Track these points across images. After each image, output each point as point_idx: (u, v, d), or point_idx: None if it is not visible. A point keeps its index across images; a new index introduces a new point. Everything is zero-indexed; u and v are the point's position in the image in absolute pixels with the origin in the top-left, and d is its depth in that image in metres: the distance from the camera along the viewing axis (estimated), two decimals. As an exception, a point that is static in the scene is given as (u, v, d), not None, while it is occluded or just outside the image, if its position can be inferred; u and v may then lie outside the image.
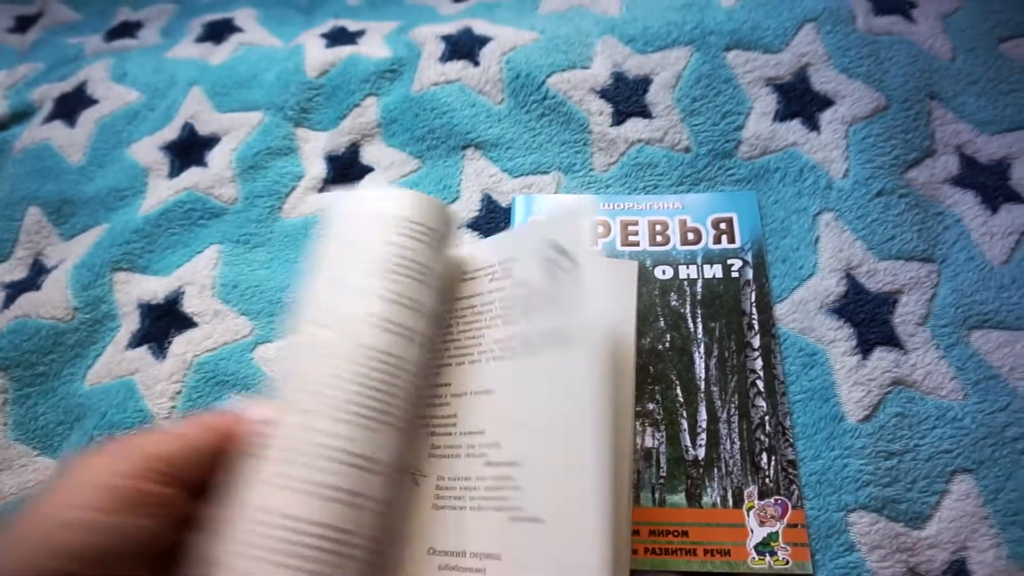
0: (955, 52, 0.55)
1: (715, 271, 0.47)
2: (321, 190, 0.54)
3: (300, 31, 0.65)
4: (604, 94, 0.55)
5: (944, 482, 0.39)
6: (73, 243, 0.53)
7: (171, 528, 0.28)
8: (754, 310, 0.46)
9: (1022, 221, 0.47)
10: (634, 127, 0.53)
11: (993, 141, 0.51)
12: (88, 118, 0.60)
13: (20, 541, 0.26)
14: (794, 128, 0.52)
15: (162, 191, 0.54)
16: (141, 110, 0.60)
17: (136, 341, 0.48)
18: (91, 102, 0.61)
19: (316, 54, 0.60)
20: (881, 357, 0.43)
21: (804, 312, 0.45)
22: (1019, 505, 0.38)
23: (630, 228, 0.49)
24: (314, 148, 0.56)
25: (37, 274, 0.52)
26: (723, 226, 0.49)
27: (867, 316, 0.44)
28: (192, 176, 0.55)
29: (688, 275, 0.47)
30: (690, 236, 0.49)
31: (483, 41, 0.58)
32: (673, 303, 0.46)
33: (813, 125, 0.52)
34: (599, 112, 0.54)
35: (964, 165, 0.50)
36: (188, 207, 0.53)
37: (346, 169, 0.55)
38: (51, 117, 0.61)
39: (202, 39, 0.66)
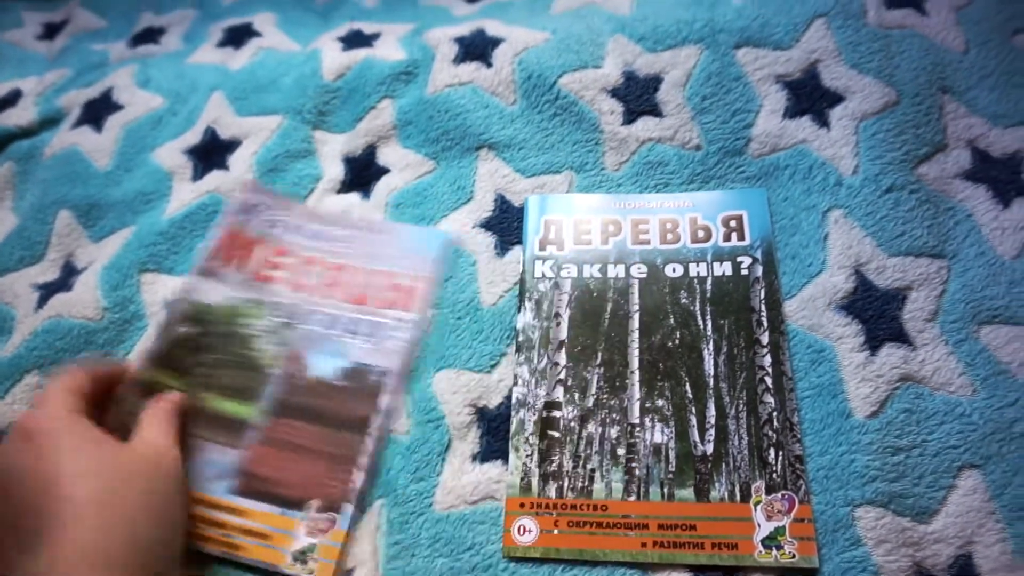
0: (968, 45, 0.54)
1: (725, 268, 0.48)
2: (339, 191, 0.56)
3: (317, 34, 0.67)
4: (615, 93, 0.55)
5: (951, 477, 0.40)
6: (102, 245, 0.55)
7: None
8: (763, 307, 0.46)
9: (1035, 215, 0.47)
10: (645, 126, 0.54)
11: (1006, 134, 0.50)
12: (114, 123, 0.62)
13: None
14: (804, 125, 0.52)
15: (186, 194, 0.56)
16: (164, 115, 0.62)
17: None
18: (117, 108, 0.63)
19: (333, 57, 0.61)
20: (890, 353, 0.43)
21: (813, 308, 0.46)
22: (1025, 500, 0.39)
23: (641, 227, 0.50)
24: (332, 150, 0.58)
25: (68, 275, 0.54)
26: (733, 224, 0.49)
27: (876, 312, 0.45)
28: (214, 179, 0.57)
29: (698, 273, 0.48)
30: (700, 234, 0.49)
31: (496, 42, 0.59)
32: (683, 300, 0.47)
33: (823, 122, 0.52)
34: (610, 111, 0.55)
35: (976, 159, 0.50)
36: (211, 209, 0.55)
37: (363, 170, 0.56)
38: (79, 123, 0.63)
39: (223, 44, 0.68)
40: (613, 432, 0.43)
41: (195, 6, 0.75)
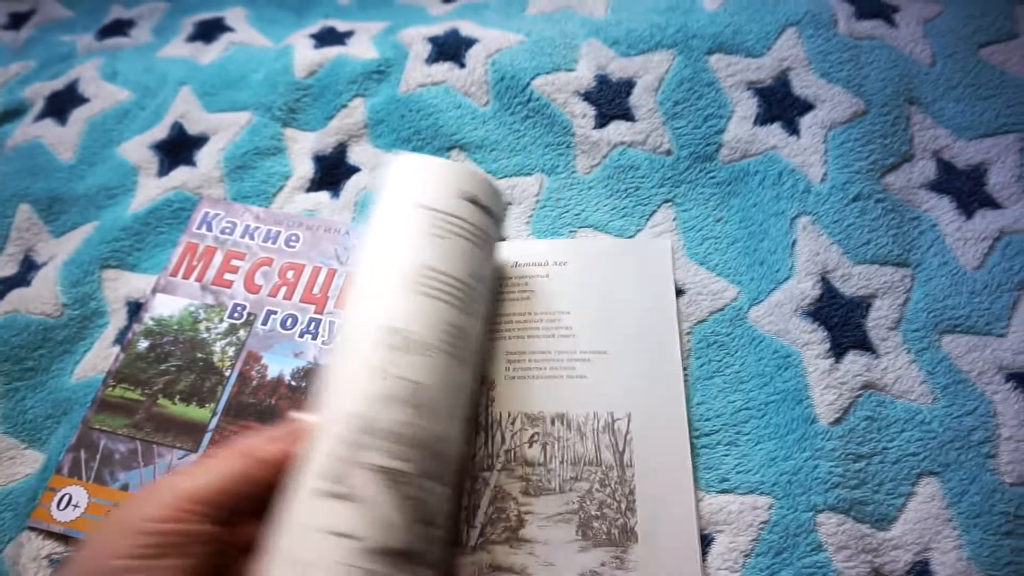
0: (935, 57, 0.55)
1: None
2: (308, 190, 0.55)
3: (290, 31, 0.66)
4: (588, 97, 0.55)
5: (910, 484, 0.40)
6: (63, 240, 0.54)
7: (209, 561, 0.28)
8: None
9: (996, 227, 0.48)
10: (617, 130, 0.54)
11: (970, 147, 0.51)
12: (79, 116, 0.60)
13: None
14: (774, 132, 0.52)
15: (151, 190, 0.55)
16: (131, 109, 0.61)
17: (123, 337, 0.48)
18: (82, 100, 0.62)
19: (305, 55, 0.60)
20: (853, 360, 0.44)
21: (780, 314, 0.46)
22: (981, 508, 0.39)
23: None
24: (302, 148, 0.57)
25: (27, 270, 0.53)
26: None
27: (841, 320, 0.45)
28: (181, 175, 0.55)
29: None
30: None
31: (469, 43, 0.59)
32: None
33: (793, 129, 0.52)
34: (582, 115, 0.54)
35: (941, 170, 0.50)
36: (176, 206, 0.54)
37: (333, 169, 0.56)
38: (42, 115, 0.61)
39: (193, 38, 0.67)
40: None
41: (166, -1, 0.74)
